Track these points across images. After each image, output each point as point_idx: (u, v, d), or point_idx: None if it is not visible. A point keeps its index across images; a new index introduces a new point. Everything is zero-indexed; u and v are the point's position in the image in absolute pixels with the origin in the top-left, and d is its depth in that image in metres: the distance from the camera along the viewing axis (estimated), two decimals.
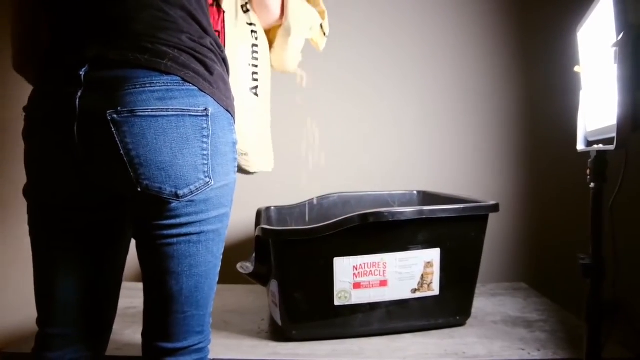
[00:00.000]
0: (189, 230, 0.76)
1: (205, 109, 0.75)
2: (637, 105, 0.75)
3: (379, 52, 1.74)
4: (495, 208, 1.19)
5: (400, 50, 1.74)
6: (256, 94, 0.99)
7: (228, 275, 1.27)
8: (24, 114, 0.80)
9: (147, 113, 0.71)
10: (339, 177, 1.74)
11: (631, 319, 0.88)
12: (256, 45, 0.99)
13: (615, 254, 0.88)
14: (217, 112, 0.77)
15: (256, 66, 0.99)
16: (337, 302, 1.14)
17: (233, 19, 0.96)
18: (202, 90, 0.75)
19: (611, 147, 0.78)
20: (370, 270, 1.15)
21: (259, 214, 1.41)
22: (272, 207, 1.49)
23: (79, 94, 0.72)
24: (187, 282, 0.77)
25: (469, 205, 1.19)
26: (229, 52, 0.86)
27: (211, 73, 0.78)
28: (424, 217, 1.14)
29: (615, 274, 0.89)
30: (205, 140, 0.75)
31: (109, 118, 0.70)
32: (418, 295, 1.18)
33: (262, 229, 1.14)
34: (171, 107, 0.72)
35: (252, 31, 0.99)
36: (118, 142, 0.71)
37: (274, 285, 1.17)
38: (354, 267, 1.13)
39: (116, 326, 1.24)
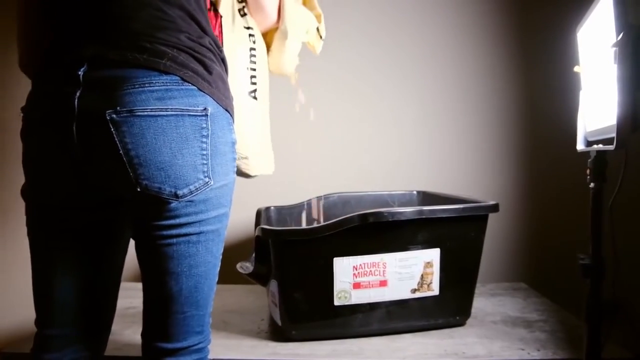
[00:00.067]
0: (189, 231, 0.76)
1: (205, 109, 0.75)
2: (637, 105, 0.75)
3: (379, 52, 1.74)
4: (495, 208, 1.19)
5: (400, 50, 1.74)
6: (255, 98, 0.99)
7: (228, 275, 1.27)
8: (21, 114, 0.80)
9: (146, 113, 0.71)
10: (339, 177, 1.75)
11: (631, 319, 0.88)
12: (254, 49, 0.99)
13: (615, 254, 0.88)
14: (217, 111, 0.77)
15: (254, 69, 0.99)
16: (336, 302, 1.14)
17: (230, 24, 0.96)
18: (201, 90, 0.75)
19: (611, 147, 0.78)
20: (370, 270, 1.15)
21: (258, 214, 1.41)
22: (272, 207, 1.49)
23: (78, 93, 0.72)
24: (186, 283, 0.77)
25: (468, 205, 1.19)
26: (227, 56, 0.86)
27: (210, 72, 0.77)
28: (424, 217, 1.14)
29: (614, 274, 0.89)
30: (204, 140, 0.74)
31: (108, 118, 0.70)
32: (418, 295, 1.18)
33: (262, 229, 1.14)
34: (170, 107, 0.72)
35: (250, 35, 0.99)
36: (117, 142, 0.70)
37: (273, 285, 1.17)
38: (353, 267, 1.14)
39: (116, 326, 1.25)
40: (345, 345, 1.14)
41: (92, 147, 0.73)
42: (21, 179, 0.81)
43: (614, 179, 0.88)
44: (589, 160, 0.93)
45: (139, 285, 0.82)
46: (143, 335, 0.82)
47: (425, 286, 1.18)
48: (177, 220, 0.75)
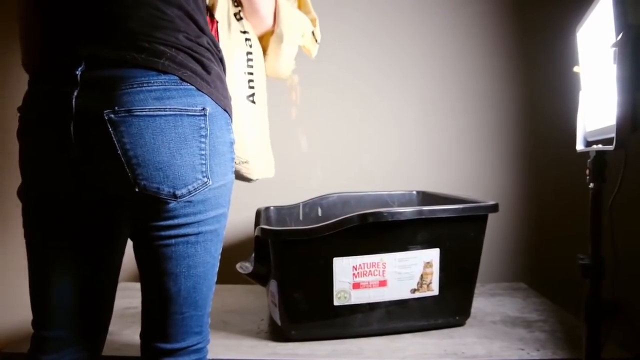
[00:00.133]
0: (187, 231, 0.76)
1: (203, 109, 0.74)
2: (636, 105, 0.75)
3: (379, 52, 1.74)
4: (494, 208, 1.19)
5: (400, 50, 1.74)
6: (253, 102, 0.99)
7: (227, 276, 1.27)
8: (18, 114, 0.79)
9: (144, 113, 0.70)
10: (339, 177, 1.75)
11: (630, 319, 0.88)
12: (250, 53, 0.99)
13: (615, 254, 0.88)
14: (215, 111, 0.77)
15: (252, 74, 0.99)
16: (336, 302, 1.14)
17: (226, 28, 0.96)
18: (199, 90, 0.75)
19: (610, 148, 0.78)
20: (370, 271, 1.15)
21: (258, 214, 1.41)
22: (272, 207, 1.49)
23: (75, 93, 0.71)
24: (185, 283, 0.77)
25: (468, 205, 1.19)
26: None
27: (208, 72, 0.77)
28: (424, 217, 1.14)
29: (614, 274, 0.89)
30: (203, 140, 0.74)
31: (106, 118, 0.70)
32: (417, 295, 1.18)
33: (262, 229, 1.14)
34: (169, 107, 0.71)
35: (246, 39, 0.99)
36: (115, 142, 0.70)
37: (273, 285, 1.17)
38: (353, 267, 1.14)
39: (115, 326, 1.25)
40: (345, 345, 1.14)
41: (90, 147, 0.73)
42: (19, 179, 0.81)
43: (613, 179, 0.88)
44: (589, 160, 0.93)
45: (139, 285, 0.82)
46: (142, 335, 0.82)
47: (425, 286, 1.18)
48: (176, 221, 0.74)
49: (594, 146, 0.91)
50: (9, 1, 1.42)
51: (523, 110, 1.72)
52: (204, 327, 0.82)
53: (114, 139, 0.70)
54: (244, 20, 0.99)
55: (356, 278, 1.14)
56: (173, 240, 0.75)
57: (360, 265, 1.14)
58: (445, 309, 1.21)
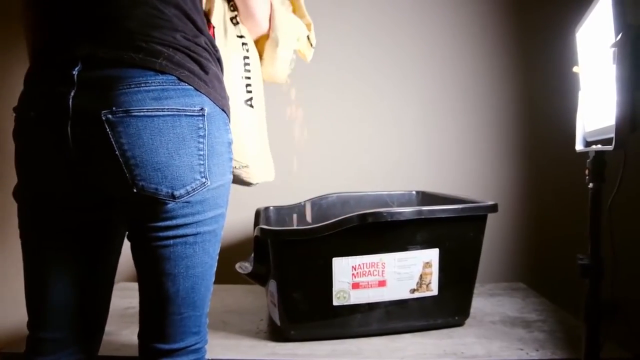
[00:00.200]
0: (186, 232, 0.75)
1: (201, 109, 0.74)
2: (636, 105, 0.75)
3: (379, 52, 1.74)
4: (493, 208, 1.19)
5: (400, 50, 1.74)
6: (251, 106, 0.99)
7: (227, 275, 1.27)
8: (14, 114, 0.79)
9: (142, 113, 0.70)
10: (339, 177, 1.75)
11: (629, 319, 0.88)
12: (247, 57, 0.99)
13: (614, 254, 0.88)
14: (213, 111, 0.76)
15: (249, 78, 0.99)
16: (335, 302, 1.14)
17: (222, 33, 0.96)
18: (197, 90, 0.74)
19: (610, 148, 0.78)
20: (369, 271, 1.15)
21: (257, 214, 1.41)
22: (271, 207, 1.49)
23: (72, 93, 0.71)
24: (183, 284, 0.77)
25: (467, 205, 1.19)
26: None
27: (206, 72, 0.77)
28: (423, 217, 1.14)
29: (613, 274, 0.89)
30: (201, 140, 0.74)
31: (104, 118, 0.69)
32: (417, 295, 1.18)
33: (261, 229, 1.14)
34: (167, 107, 0.71)
35: (243, 43, 0.99)
36: (113, 142, 0.70)
37: (272, 285, 1.17)
38: (352, 267, 1.14)
39: (114, 327, 1.25)
40: (345, 345, 1.14)
41: (88, 147, 0.72)
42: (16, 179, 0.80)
43: (612, 179, 0.88)
44: (588, 160, 0.92)
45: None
46: (140, 336, 0.82)
47: (424, 286, 1.18)
48: (174, 222, 0.74)
49: (594, 146, 0.91)
50: (9, 1, 1.42)
51: (522, 110, 1.72)
52: (202, 327, 0.82)
53: (112, 140, 0.70)
54: (240, 25, 0.99)
55: (355, 278, 1.14)
56: (171, 241, 0.75)
57: (359, 265, 1.14)
58: (445, 309, 1.21)
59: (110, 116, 0.69)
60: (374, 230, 1.12)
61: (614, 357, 1.03)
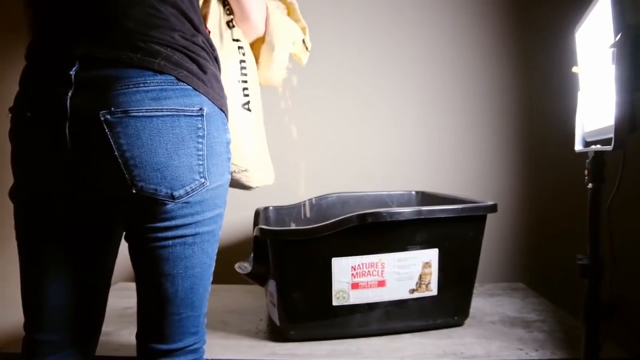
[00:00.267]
0: (184, 232, 0.75)
1: (200, 109, 0.74)
2: (635, 105, 0.75)
3: (379, 52, 1.74)
4: (493, 208, 1.19)
5: (400, 50, 1.74)
6: (249, 109, 0.99)
7: (226, 276, 1.27)
8: (9, 114, 0.78)
9: (141, 113, 0.70)
10: (338, 177, 1.75)
11: (629, 319, 0.88)
12: (244, 61, 0.99)
13: (613, 254, 0.88)
14: (212, 111, 0.76)
15: (246, 82, 0.99)
16: (335, 303, 1.14)
17: (218, 37, 0.96)
18: (196, 90, 0.74)
19: (609, 148, 0.78)
20: (369, 271, 1.15)
21: (257, 214, 1.41)
22: (271, 207, 1.49)
23: (70, 94, 0.70)
24: (182, 284, 0.77)
25: (467, 205, 1.19)
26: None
27: (204, 72, 0.77)
28: (422, 217, 1.14)
29: (612, 274, 0.89)
30: (200, 140, 0.74)
31: (102, 119, 0.69)
32: (416, 295, 1.18)
33: (260, 229, 1.14)
34: (166, 107, 0.71)
35: (239, 47, 0.99)
36: (112, 143, 0.69)
37: (272, 285, 1.17)
38: (352, 267, 1.14)
39: (113, 327, 1.25)
40: (344, 345, 1.14)
41: (86, 148, 0.72)
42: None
43: (612, 180, 0.88)
44: (587, 160, 0.92)
45: None
46: (138, 336, 0.81)
47: (424, 286, 1.18)
48: (173, 222, 0.74)
49: (593, 146, 0.91)
50: (9, 1, 1.42)
51: (522, 110, 1.72)
52: (201, 328, 0.82)
53: (111, 140, 0.69)
54: (235, 29, 0.98)
55: (355, 278, 1.14)
56: (170, 242, 0.75)
57: (359, 265, 1.14)
58: (444, 309, 1.21)
59: (108, 116, 0.69)
60: (374, 230, 1.12)
61: (613, 357, 1.03)
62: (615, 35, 0.75)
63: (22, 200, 0.80)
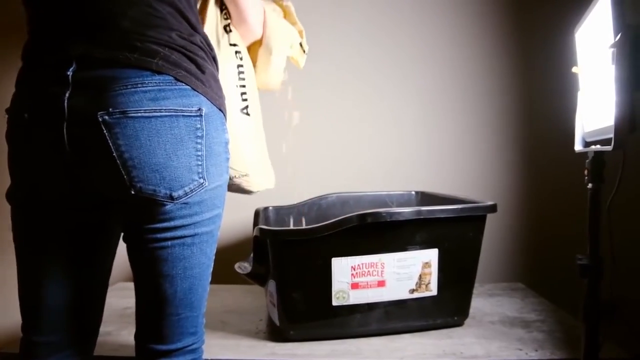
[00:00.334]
0: (183, 233, 0.75)
1: (199, 109, 0.73)
2: (635, 106, 0.75)
3: (379, 52, 1.74)
4: (493, 208, 1.19)
5: (400, 50, 1.74)
6: (247, 114, 0.99)
7: (226, 276, 1.27)
8: (6, 115, 0.77)
9: (139, 114, 0.69)
10: (338, 177, 1.75)
11: (628, 319, 0.88)
12: (241, 66, 0.99)
13: (613, 254, 0.88)
14: (211, 111, 0.76)
15: (244, 86, 0.99)
16: (335, 303, 1.14)
17: (215, 43, 0.95)
18: (195, 90, 0.74)
19: (609, 148, 0.78)
20: (368, 271, 1.15)
21: (257, 214, 1.41)
22: (270, 207, 1.49)
23: (67, 94, 0.70)
24: (181, 285, 0.77)
25: (467, 205, 1.19)
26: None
27: (203, 72, 0.76)
28: (422, 217, 1.14)
29: (612, 274, 0.89)
30: (199, 140, 0.73)
31: (100, 120, 0.68)
32: (416, 295, 1.18)
33: (260, 229, 1.14)
34: (164, 108, 0.70)
35: (236, 52, 0.98)
36: (110, 144, 0.69)
37: (271, 285, 1.17)
38: (352, 267, 1.14)
39: (112, 327, 1.25)
40: (344, 345, 1.14)
41: (84, 149, 0.71)
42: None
43: (611, 180, 0.88)
44: (587, 160, 0.93)
45: None
46: (137, 337, 0.81)
47: (424, 286, 1.18)
48: (172, 223, 0.74)
49: (593, 146, 0.91)
50: (9, 1, 1.42)
51: (522, 110, 1.72)
52: (199, 328, 0.82)
53: (109, 141, 0.69)
54: (232, 33, 0.98)
55: (355, 278, 1.14)
56: (169, 243, 0.74)
57: (358, 265, 1.14)
58: (444, 309, 1.21)
59: (106, 117, 0.69)
60: (373, 230, 1.12)
61: (613, 357, 1.03)
62: (615, 36, 0.75)
63: (19, 202, 0.79)
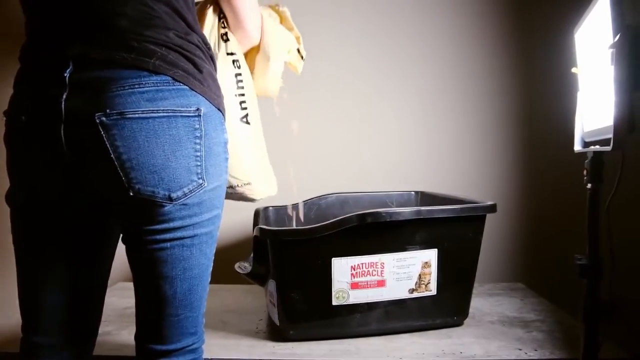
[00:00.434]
0: (183, 234, 0.75)
1: (197, 109, 0.73)
2: (634, 106, 0.75)
3: (379, 52, 1.74)
4: (492, 208, 1.19)
5: (400, 50, 1.74)
6: (247, 122, 0.98)
7: (226, 276, 1.27)
8: (4, 117, 0.77)
9: (137, 115, 0.69)
10: (338, 177, 1.75)
11: (628, 319, 0.88)
12: (240, 74, 0.98)
13: (612, 254, 0.88)
14: (209, 111, 0.75)
15: (243, 95, 0.98)
16: (334, 302, 1.15)
17: (214, 52, 0.95)
18: (193, 90, 0.73)
19: (608, 148, 0.78)
20: (368, 271, 1.15)
21: (257, 214, 1.41)
22: (270, 207, 1.50)
23: (64, 96, 0.69)
24: (181, 286, 0.76)
25: (466, 205, 1.20)
26: None
27: (200, 71, 0.76)
28: (422, 217, 1.14)
29: (611, 274, 0.89)
30: (198, 141, 0.73)
31: (98, 121, 0.68)
32: (416, 295, 1.18)
33: (260, 229, 1.14)
34: (162, 108, 0.70)
35: (234, 61, 0.98)
36: (108, 145, 0.69)
37: (271, 285, 1.17)
38: (351, 267, 1.14)
39: (113, 327, 1.25)
40: (344, 345, 1.14)
41: (82, 151, 0.71)
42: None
43: (611, 180, 0.88)
44: (586, 161, 0.93)
45: None
46: (137, 337, 0.81)
47: (423, 286, 1.18)
48: (171, 224, 0.73)
49: (592, 147, 0.91)
50: (9, 1, 1.42)
51: (521, 110, 1.72)
52: (199, 328, 0.82)
53: (107, 143, 0.68)
54: (230, 42, 0.98)
55: (354, 278, 1.14)
56: (168, 244, 0.74)
57: (358, 265, 1.14)
58: (444, 309, 1.22)
59: (104, 119, 0.68)
60: (373, 230, 1.12)
61: (613, 357, 1.04)
62: (615, 36, 0.75)
63: (18, 204, 0.79)
